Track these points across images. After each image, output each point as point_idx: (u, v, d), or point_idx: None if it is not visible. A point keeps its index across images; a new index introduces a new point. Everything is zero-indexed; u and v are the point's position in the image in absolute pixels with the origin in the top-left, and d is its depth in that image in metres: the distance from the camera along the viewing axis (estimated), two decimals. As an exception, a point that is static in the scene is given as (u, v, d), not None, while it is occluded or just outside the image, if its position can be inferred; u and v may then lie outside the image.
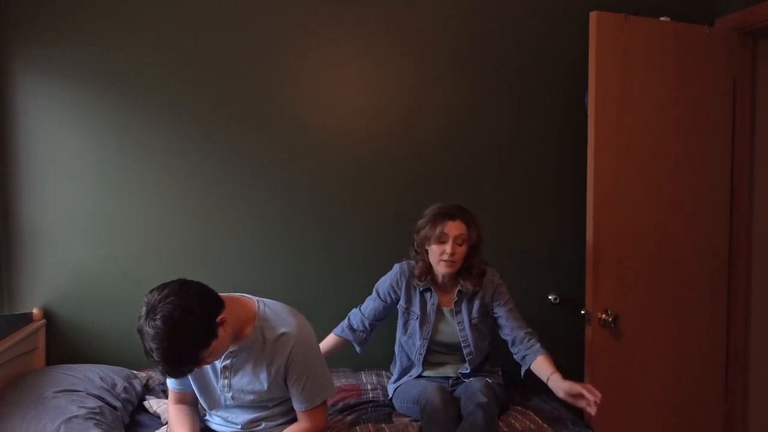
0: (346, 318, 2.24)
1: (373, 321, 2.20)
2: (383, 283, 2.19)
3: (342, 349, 2.25)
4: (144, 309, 1.42)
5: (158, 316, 1.39)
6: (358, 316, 2.22)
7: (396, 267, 2.18)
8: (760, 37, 2.54)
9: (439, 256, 2.02)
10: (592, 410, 1.76)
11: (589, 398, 1.76)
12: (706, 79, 2.42)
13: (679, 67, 2.36)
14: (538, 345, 2.03)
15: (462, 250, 2.03)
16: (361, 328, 2.20)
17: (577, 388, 1.80)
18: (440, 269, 2.05)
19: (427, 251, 2.08)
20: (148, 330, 1.40)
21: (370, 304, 2.20)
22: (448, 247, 2.00)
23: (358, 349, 2.22)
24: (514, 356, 2.07)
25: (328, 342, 2.22)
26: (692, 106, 2.40)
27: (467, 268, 2.09)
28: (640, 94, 2.30)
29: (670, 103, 2.35)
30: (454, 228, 2.01)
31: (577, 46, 2.46)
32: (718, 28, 2.50)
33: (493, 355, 2.21)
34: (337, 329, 2.23)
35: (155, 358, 1.41)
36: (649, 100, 2.32)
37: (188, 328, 1.41)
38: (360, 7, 2.44)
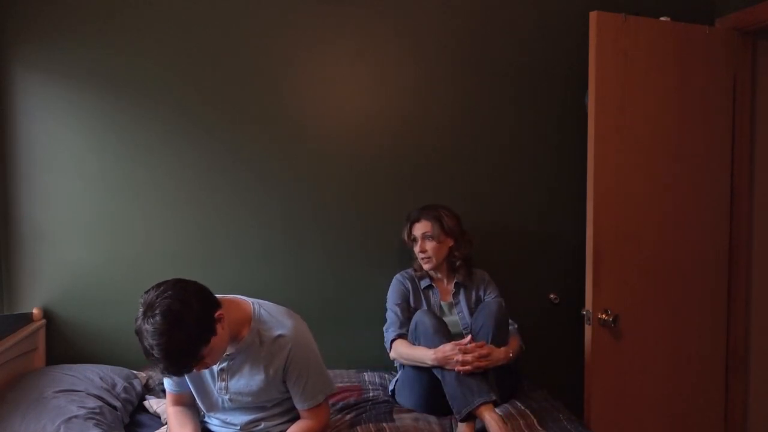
0: (389, 340, 2.18)
1: (406, 321, 2.20)
2: (393, 294, 2.27)
3: None
4: (141, 309, 1.43)
5: (157, 311, 1.39)
6: (393, 326, 2.20)
7: (396, 278, 2.31)
8: (760, 37, 2.54)
9: (417, 255, 2.26)
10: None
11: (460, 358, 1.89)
12: (706, 79, 2.42)
13: (679, 67, 2.36)
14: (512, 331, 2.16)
15: (433, 245, 2.22)
16: (404, 331, 2.18)
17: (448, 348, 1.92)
18: (423, 266, 2.27)
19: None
20: (147, 327, 1.39)
21: (394, 316, 2.21)
22: (417, 247, 2.26)
23: None
24: None
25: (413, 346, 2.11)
26: (692, 106, 2.40)
27: (452, 261, 2.26)
28: (640, 94, 2.30)
29: (670, 103, 2.35)
30: (419, 228, 2.25)
31: (577, 46, 2.45)
32: (718, 28, 2.50)
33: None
34: (398, 336, 2.17)
35: (155, 356, 1.40)
36: (649, 100, 2.32)
37: (188, 321, 1.41)
38: (360, 8, 2.44)
